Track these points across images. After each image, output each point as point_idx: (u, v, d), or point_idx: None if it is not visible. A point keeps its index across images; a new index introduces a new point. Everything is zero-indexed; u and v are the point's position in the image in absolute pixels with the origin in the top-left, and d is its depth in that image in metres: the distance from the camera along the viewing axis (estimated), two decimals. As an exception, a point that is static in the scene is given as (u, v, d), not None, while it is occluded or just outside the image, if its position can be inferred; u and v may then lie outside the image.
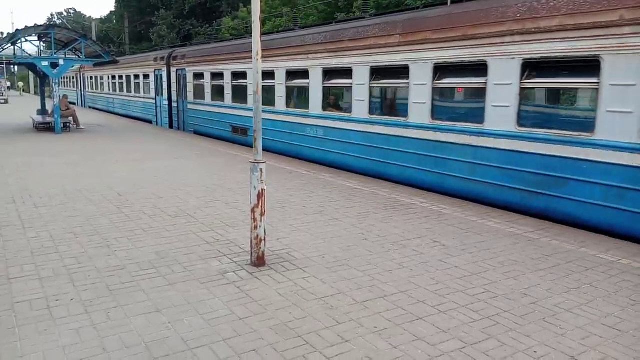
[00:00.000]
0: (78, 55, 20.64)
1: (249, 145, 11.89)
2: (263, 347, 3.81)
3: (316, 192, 9.25)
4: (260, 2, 5.36)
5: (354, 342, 3.90)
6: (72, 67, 28.34)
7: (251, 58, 5.31)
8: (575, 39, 6.82)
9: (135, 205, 8.10)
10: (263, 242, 5.49)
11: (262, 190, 5.41)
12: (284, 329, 4.09)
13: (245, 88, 15.29)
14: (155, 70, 22.53)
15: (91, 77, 35.83)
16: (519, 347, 3.87)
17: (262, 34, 5.25)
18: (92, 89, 36.52)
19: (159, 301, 4.57)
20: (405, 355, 3.72)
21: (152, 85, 23.12)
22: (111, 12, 67.04)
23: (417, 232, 6.83)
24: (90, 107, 36.71)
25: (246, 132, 15.44)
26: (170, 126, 21.83)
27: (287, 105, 13.45)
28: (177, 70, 20.38)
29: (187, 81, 19.42)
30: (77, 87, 41.40)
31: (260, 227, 5.42)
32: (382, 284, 5.06)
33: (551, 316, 4.39)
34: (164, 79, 21.63)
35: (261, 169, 5.38)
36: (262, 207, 5.42)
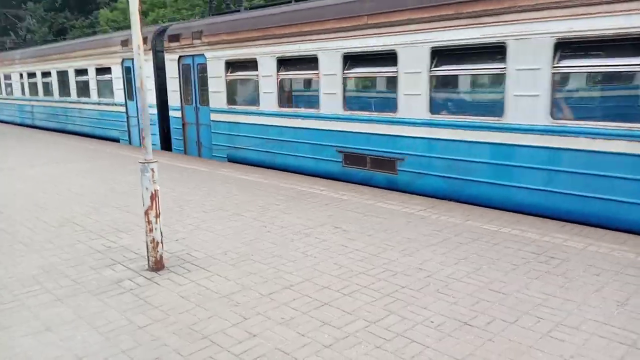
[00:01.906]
0: None
1: (394, 189, 8.61)
2: (167, 354, 3.66)
3: (215, 188, 9.04)
4: (138, -8, 5.05)
5: (262, 336, 3.88)
6: None
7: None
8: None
9: (12, 217, 7.37)
10: (160, 245, 5.26)
11: (155, 191, 5.17)
12: (188, 332, 3.96)
13: (381, 82, 9.49)
14: (123, 60, 14.78)
15: None
16: (417, 319, 4.09)
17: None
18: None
19: (47, 319, 4.21)
20: (313, 341, 3.78)
21: (119, 85, 15.20)
22: (-32, 4, 59.92)
23: (319, 220, 6.94)
24: None
25: (391, 164, 8.67)
26: (165, 147, 14.22)
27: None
28: (181, 57, 12.73)
29: (213, 75, 11.80)
30: None
31: (155, 229, 5.19)
32: (287, 274, 5.08)
33: (444, 287, 4.69)
34: (147, 73, 13.32)
35: (152, 169, 5.13)
36: (156, 208, 5.19)
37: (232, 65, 11.46)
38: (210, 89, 12.03)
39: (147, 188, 5.14)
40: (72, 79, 17.77)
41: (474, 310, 4.23)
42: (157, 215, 5.20)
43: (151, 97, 13.59)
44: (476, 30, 7.23)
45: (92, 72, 16.56)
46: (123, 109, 15.35)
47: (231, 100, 11.71)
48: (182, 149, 13.40)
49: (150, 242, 5.20)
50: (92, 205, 8.00)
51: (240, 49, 11.10)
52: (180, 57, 12.74)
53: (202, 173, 10.52)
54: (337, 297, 4.54)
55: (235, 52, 11.24)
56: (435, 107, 7.96)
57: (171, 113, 13.44)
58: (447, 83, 8.33)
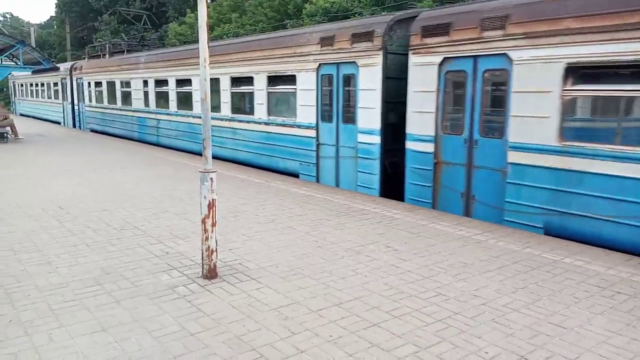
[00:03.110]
0: (15, 62, 19.66)
1: None
2: (216, 363, 3.70)
3: (269, 200, 9.16)
4: (208, 7, 5.26)
5: (310, 352, 3.85)
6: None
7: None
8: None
9: (77, 218, 7.75)
10: (214, 253, 5.36)
11: (212, 200, 5.29)
12: (237, 343, 4.00)
13: None
14: (321, 65, 10.56)
15: (89, 84, 23.37)
16: (471, 348, 3.94)
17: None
18: (93, 100, 23.47)
19: (104, 320, 4.37)
20: (361, 363, 3.72)
21: (309, 99, 10.93)
22: (51, 17, 64.39)
23: (370, 237, 6.88)
24: (92, 131, 23.88)
25: None
26: (386, 193, 9.72)
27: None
28: (447, 60, 8.35)
29: (530, 88, 7.22)
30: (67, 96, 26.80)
31: (211, 238, 5.30)
32: (337, 291, 5.04)
33: (500, 316, 4.50)
34: (370, 83, 9.51)
35: (211, 178, 5.26)
36: (213, 217, 5.30)
37: (577, 73, 6.78)
38: (516, 111, 7.35)
39: (205, 197, 5.26)
40: (226, 89, 13.75)
41: (531, 343, 4.03)
42: (214, 224, 5.31)
43: (371, 119, 9.53)
44: None
45: (260, 82, 12.41)
46: (312, 133, 10.95)
47: (568, 130, 6.90)
48: (429, 201, 8.77)
49: (206, 250, 5.31)
50: (151, 209, 8.27)
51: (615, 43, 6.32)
52: (444, 59, 8.29)
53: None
54: (386, 318, 4.46)
55: (601, 50, 6.46)
56: None
57: (410, 145, 8.91)
58: None
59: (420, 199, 8.96)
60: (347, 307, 4.67)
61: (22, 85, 36.90)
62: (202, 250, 5.35)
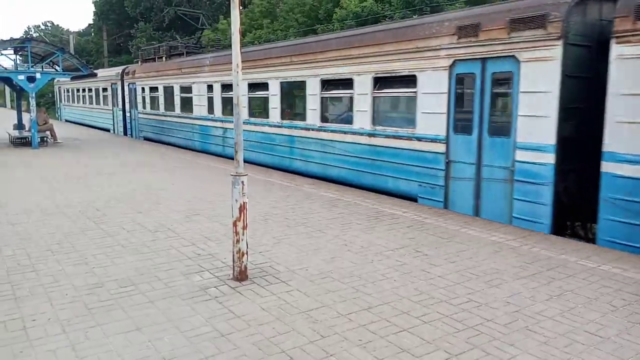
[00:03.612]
0: (55, 69, 20.35)
1: None
2: (246, 364, 3.74)
3: (298, 203, 9.21)
4: (240, 14, 5.36)
5: (339, 356, 3.85)
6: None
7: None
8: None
9: (113, 220, 7.96)
10: (245, 255, 5.42)
11: (243, 203, 5.36)
12: (267, 345, 4.03)
13: None
14: (455, 62, 8.58)
15: (152, 89, 21.09)
16: (503, 356, 3.87)
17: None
18: (147, 107, 21.71)
19: (138, 319, 4.47)
20: (390, 368, 3.69)
21: (438, 105, 8.90)
22: (89, 24, 66.43)
23: (400, 242, 6.83)
24: (145, 139, 22.36)
25: None
26: (555, 229, 7.49)
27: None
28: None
29: None
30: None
31: (242, 240, 5.36)
32: (366, 295, 5.03)
33: (534, 324, 4.41)
34: (543, 84, 7.38)
35: (242, 182, 5.33)
36: (244, 220, 5.37)
37: None
38: None
39: (236, 200, 5.34)
40: (314, 94, 11.72)
41: (566, 352, 3.93)
42: (245, 227, 5.38)
43: (539, 131, 7.38)
44: None
45: (363, 84, 10.28)
46: (439, 147, 8.86)
47: None
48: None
49: (237, 253, 5.38)
50: (183, 212, 8.43)
51: None
52: None
53: None
54: (417, 324, 4.42)
55: None
56: None
57: (610, 167, 6.65)
58: None
59: (625, 243, 6.51)
60: (376, 312, 4.65)
61: (68, 90, 35.85)
62: (233, 252, 5.42)
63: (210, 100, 16.24)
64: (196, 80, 17.02)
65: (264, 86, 13.36)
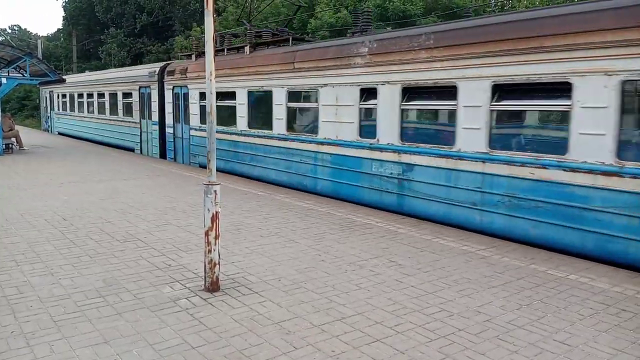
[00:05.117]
0: (22, 74, 19.83)
1: None
2: (217, 377, 3.67)
3: (272, 213, 9.15)
4: (215, 21, 5.31)
5: (312, 368, 3.82)
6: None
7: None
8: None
9: (80, 230, 7.76)
10: (217, 266, 5.34)
11: (216, 212, 5.29)
12: (239, 357, 3.97)
13: None
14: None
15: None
16: (475, 366, 3.90)
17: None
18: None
19: (106, 332, 4.35)
20: (364, 379, 3.68)
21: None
22: (58, 29, 65.08)
23: (373, 252, 6.85)
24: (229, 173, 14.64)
25: None
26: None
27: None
28: None
29: None
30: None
31: (214, 250, 5.29)
32: (340, 305, 5.01)
33: (504, 333, 4.46)
34: None
35: (215, 191, 5.27)
36: (216, 230, 5.30)
37: None
38: None
39: (208, 209, 5.26)
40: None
41: (536, 361, 3.98)
42: (217, 237, 5.31)
43: None
44: None
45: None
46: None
47: None
48: None
49: (208, 263, 5.30)
50: (154, 221, 8.27)
51: None
52: None
53: None
54: (390, 334, 4.42)
55: None
56: None
57: None
58: None
59: None
60: (349, 322, 4.63)
61: (63, 96, 27.44)
62: (204, 262, 5.33)
63: (368, 115, 9.82)
64: (334, 81, 10.35)
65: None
